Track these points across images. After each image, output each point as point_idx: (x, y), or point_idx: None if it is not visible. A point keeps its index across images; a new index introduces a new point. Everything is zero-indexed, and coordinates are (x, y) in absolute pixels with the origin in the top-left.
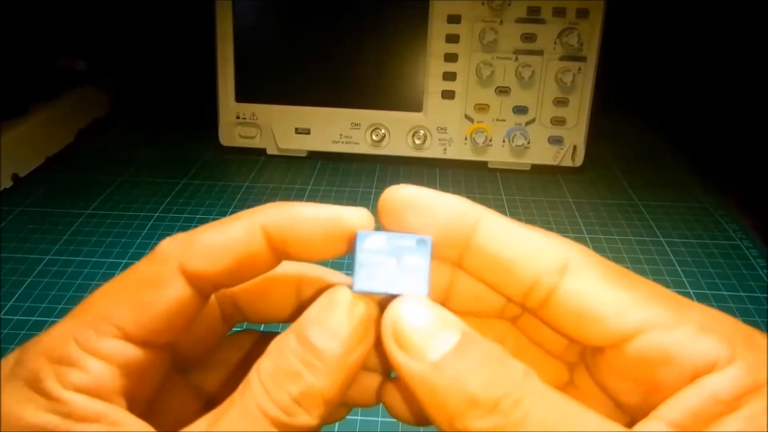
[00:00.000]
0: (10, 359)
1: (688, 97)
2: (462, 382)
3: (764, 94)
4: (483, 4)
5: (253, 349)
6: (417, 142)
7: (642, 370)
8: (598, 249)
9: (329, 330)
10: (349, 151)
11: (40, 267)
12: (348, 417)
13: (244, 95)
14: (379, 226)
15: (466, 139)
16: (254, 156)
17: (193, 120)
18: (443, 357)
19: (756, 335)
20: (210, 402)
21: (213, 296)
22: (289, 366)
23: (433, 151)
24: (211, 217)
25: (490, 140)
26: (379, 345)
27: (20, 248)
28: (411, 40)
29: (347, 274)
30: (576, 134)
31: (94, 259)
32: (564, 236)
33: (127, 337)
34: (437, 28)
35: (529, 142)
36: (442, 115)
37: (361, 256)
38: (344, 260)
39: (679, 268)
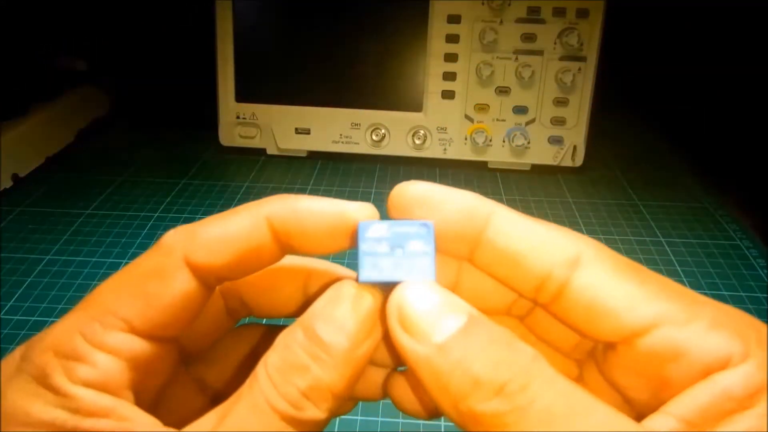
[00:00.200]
0: (15, 355)
1: (688, 97)
2: (466, 363)
3: (764, 94)
4: (483, 4)
5: (259, 343)
6: (417, 142)
7: (653, 365)
8: None
9: (336, 323)
10: (349, 151)
11: (40, 267)
12: (348, 417)
13: (244, 95)
14: None
15: (466, 139)
16: (254, 156)
17: (193, 120)
18: (448, 339)
19: None
20: (216, 396)
21: (217, 290)
22: (296, 360)
23: (433, 151)
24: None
25: (490, 140)
26: (386, 339)
27: (20, 248)
28: (411, 40)
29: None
30: (576, 134)
31: (94, 259)
32: None
33: (134, 331)
34: (437, 28)
35: (529, 142)
36: (442, 115)
37: (364, 246)
38: (346, 257)
39: (679, 268)
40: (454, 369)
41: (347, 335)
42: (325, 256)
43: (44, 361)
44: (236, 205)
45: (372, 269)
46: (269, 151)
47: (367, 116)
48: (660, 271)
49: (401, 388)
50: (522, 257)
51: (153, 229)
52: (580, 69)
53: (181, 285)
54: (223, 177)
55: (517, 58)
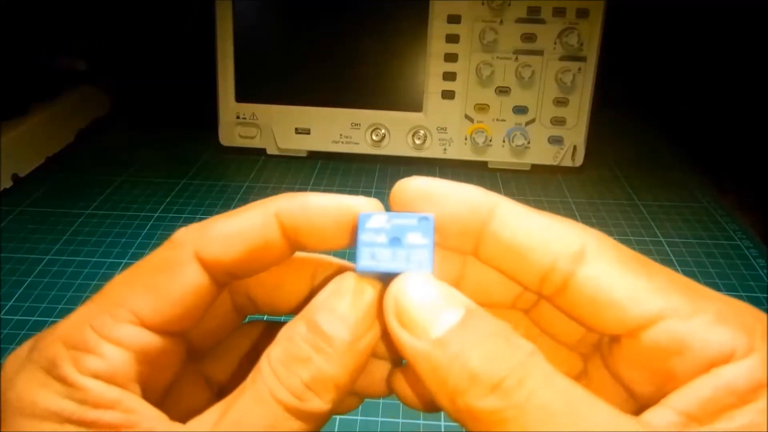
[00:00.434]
0: (24, 347)
1: (688, 97)
2: (464, 358)
3: (764, 94)
4: (483, 4)
5: (261, 338)
6: (417, 142)
7: (657, 359)
8: None
9: (338, 315)
10: (349, 151)
11: (40, 267)
12: (348, 417)
13: (244, 95)
14: None
15: (466, 139)
16: (254, 156)
17: (193, 120)
18: (445, 333)
19: None
20: (221, 392)
21: None
22: (299, 352)
23: (433, 151)
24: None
25: (490, 140)
26: (388, 333)
27: (20, 248)
28: (411, 40)
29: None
30: (576, 134)
31: (94, 259)
32: None
33: (144, 324)
34: (437, 28)
35: (529, 142)
36: (442, 115)
37: (363, 237)
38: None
39: (679, 268)
40: (452, 364)
41: (349, 327)
42: (332, 253)
43: (53, 351)
44: (236, 205)
45: (370, 259)
46: (269, 151)
47: (367, 116)
48: None
49: (404, 383)
50: (526, 250)
51: (153, 229)
52: (580, 69)
53: (191, 279)
54: (223, 177)
55: (517, 58)
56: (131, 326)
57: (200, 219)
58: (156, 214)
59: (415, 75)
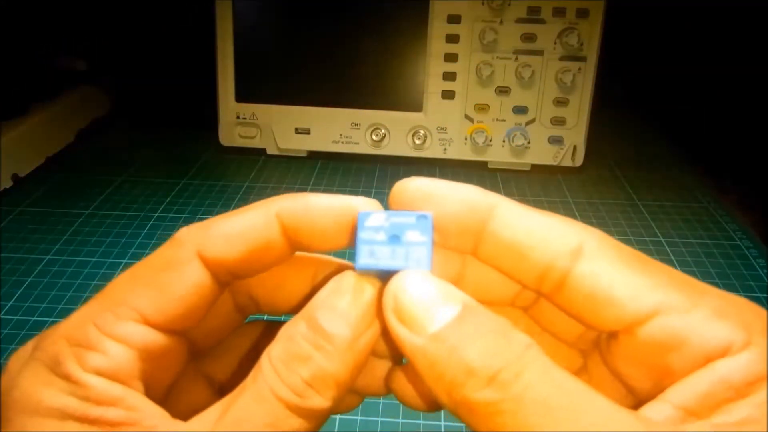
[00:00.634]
0: (28, 346)
1: (688, 97)
2: (460, 352)
3: (764, 94)
4: (483, 4)
5: (262, 337)
6: (417, 142)
7: (654, 354)
8: None
9: (338, 313)
10: (349, 151)
11: (40, 267)
12: (348, 417)
13: (244, 95)
14: None
15: (466, 139)
16: (254, 156)
17: (193, 120)
18: (442, 328)
19: None
20: (222, 390)
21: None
22: (299, 350)
23: (433, 151)
24: (211, 217)
25: (490, 140)
26: (388, 332)
27: (20, 248)
28: (411, 40)
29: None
30: (576, 134)
31: (94, 259)
32: None
33: (146, 322)
34: (437, 28)
35: (529, 142)
36: (442, 115)
37: (362, 235)
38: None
39: (679, 268)
40: (449, 358)
41: (349, 325)
42: (332, 254)
43: (57, 349)
44: (236, 205)
45: (369, 257)
46: (269, 151)
47: (367, 116)
48: None
49: (402, 382)
50: (525, 248)
51: (153, 229)
52: (580, 69)
53: (194, 277)
54: (223, 177)
55: (517, 58)
56: (134, 324)
57: (200, 219)
58: (156, 214)
59: (415, 75)
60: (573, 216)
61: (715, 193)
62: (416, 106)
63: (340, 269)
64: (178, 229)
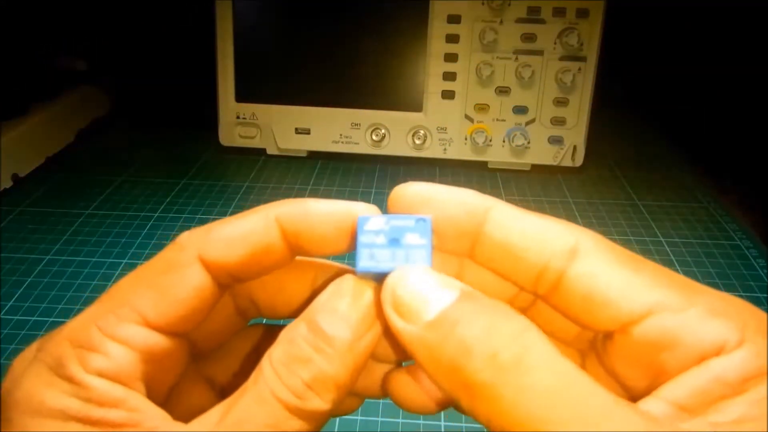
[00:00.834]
0: (32, 348)
1: (688, 97)
2: (458, 332)
3: (764, 94)
4: (483, 4)
5: (263, 340)
6: (417, 142)
7: (649, 353)
8: None
9: (338, 316)
10: (349, 151)
11: (40, 267)
12: (348, 417)
13: (244, 95)
14: None
15: (466, 139)
16: (254, 156)
17: (193, 120)
18: (439, 314)
19: None
20: (223, 392)
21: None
22: (300, 352)
23: (433, 151)
24: (211, 217)
25: (490, 140)
26: (387, 333)
27: (20, 248)
28: (411, 40)
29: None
30: (576, 134)
31: (94, 259)
32: None
33: (148, 324)
34: (437, 28)
35: (529, 142)
36: (442, 115)
37: (362, 238)
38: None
39: (679, 268)
40: (447, 340)
41: (349, 327)
42: (332, 258)
43: (60, 351)
44: (236, 205)
45: (369, 260)
46: (269, 151)
47: (367, 116)
48: None
49: (399, 384)
50: (520, 250)
51: (153, 229)
52: (580, 69)
53: (195, 280)
54: (223, 177)
55: (517, 58)
56: (136, 326)
57: (200, 219)
58: (156, 214)
59: (415, 75)
60: (573, 216)
61: (715, 193)
62: (416, 106)
63: (340, 273)
64: (178, 229)
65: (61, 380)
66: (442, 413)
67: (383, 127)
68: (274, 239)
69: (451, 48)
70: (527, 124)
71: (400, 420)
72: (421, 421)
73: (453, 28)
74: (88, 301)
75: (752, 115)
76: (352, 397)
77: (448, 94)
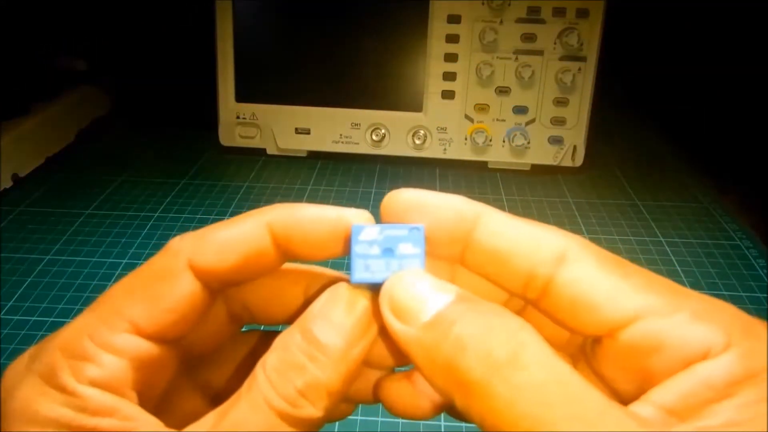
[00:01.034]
0: (24, 357)
1: (688, 97)
2: (454, 331)
3: (764, 94)
4: (483, 4)
5: (258, 347)
6: (417, 142)
7: (636, 358)
8: None
9: (332, 324)
10: (349, 151)
11: (40, 267)
12: (348, 417)
13: (244, 95)
14: None
15: (466, 139)
16: (254, 156)
17: (193, 120)
18: (435, 315)
19: (755, 324)
20: (217, 399)
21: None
22: (293, 360)
23: (433, 151)
24: (211, 217)
25: (490, 140)
26: (385, 338)
27: (20, 248)
28: (411, 40)
29: (348, 273)
30: (576, 134)
31: (94, 259)
32: None
33: (139, 332)
34: (437, 28)
35: (529, 142)
36: (442, 115)
37: (357, 248)
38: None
39: (679, 268)
40: (443, 339)
41: (343, 335)
42: (323, 263)
43: (53, 360)
44: (236, 205)
45: (364, 270)
46: (269, 151)
47: (367, 116)
48: (660, 271)
49: (390, 389)
50: (509, 255)
51: (153, 229)
52: (580, 69)
53: (185, 287)
54: (223, 177)
55: (517, 58)
56: (127, 335)
57: (200, 219)
58: (156, 214)
59: (415, 75)
60: (573, 216)
61: (715, 193)
62: (416, 106)
63: (333, 281)
64: (177, 229)
65: (54, 390)
66: (443, 414)
67: (383, 127)
68: (265, 245)
69: (451, 48)
70: (527, 124)
71: (400, 420)
72: (421, 421)
73: (453, 28)
74: (88, 301)
75: (752, 115)
76: (345, 404)
77: (448, 94)
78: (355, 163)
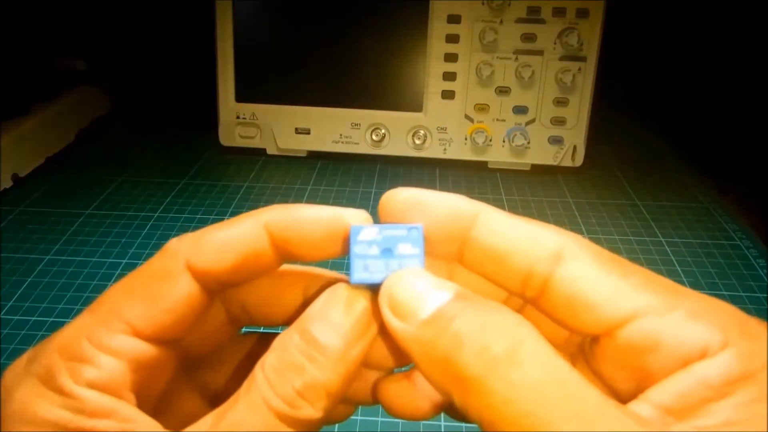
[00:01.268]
0: (23, 359)
1: (688, 97)
2: (451, 327)
3: (764, 94)
4: (483, 4)
5: (256, 348)
6: (417, 142)
7: (634, 357)
8: None
9: (331, 325)
10: (349, 151)
11: (40, 267)
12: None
13: (244, 95)
14: None
15: (466, 139)
16: (254, 156)
17: (193, 120)
18: (433, 313)
19: (752, 323)
20: (215, 400)
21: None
22: (292, 361)
23: (433, 151)
24: (211, 217)
25: (490, 140)
26: (385, 337)
27: (20, 248)
28: (411, 40)
29: (347, 274)
30: (576, 134)
31: (94, 259)
32: None
33: (137, 333)
34: (437, 28)
35: (529, 142)
36: (442, 115)
37: (356, 249)
38: (344, 267)
39: (679, 268)
40: (440, 335)
41: (341, 336)
42: (322, 264)
43: (51, 362)
44: (236, 205)
45: (363, 271)
46: (269, 151)
47: (367, 116)
48: (660, 272)
49: (389, 390)
50: (506, 254)
51: (153, 229)
52: (580, 69)
53: (183, 289)
54: (223, 177)
55: (517, 58)
56: (125, 336)
57: (200, 219)
58: (156, 214)
59: (415, 75)
60: (573, 216)
61: (715, 193)
62: (416, 106)
63: (332, 282)
64: (177, 229)
65: (52, 392)
66: (443, 414)
67: (383, 127)
68: (263, 246)
69: (451, 48)
70: (527, 124)
71: (399, 420)
72: (421, 422)
73: (453, 28)
74: (88, 301)
75: (752, 115)
76: (344, 405)
77: (448, 94)
78: (355, 163)
